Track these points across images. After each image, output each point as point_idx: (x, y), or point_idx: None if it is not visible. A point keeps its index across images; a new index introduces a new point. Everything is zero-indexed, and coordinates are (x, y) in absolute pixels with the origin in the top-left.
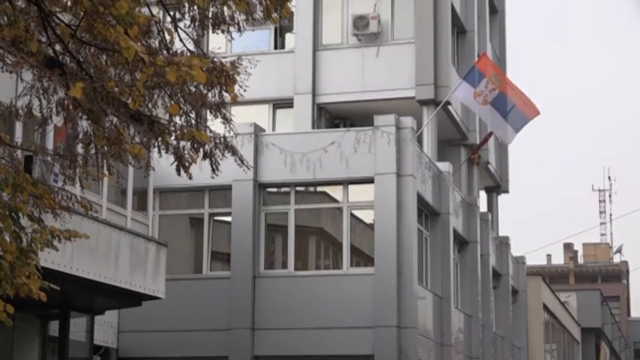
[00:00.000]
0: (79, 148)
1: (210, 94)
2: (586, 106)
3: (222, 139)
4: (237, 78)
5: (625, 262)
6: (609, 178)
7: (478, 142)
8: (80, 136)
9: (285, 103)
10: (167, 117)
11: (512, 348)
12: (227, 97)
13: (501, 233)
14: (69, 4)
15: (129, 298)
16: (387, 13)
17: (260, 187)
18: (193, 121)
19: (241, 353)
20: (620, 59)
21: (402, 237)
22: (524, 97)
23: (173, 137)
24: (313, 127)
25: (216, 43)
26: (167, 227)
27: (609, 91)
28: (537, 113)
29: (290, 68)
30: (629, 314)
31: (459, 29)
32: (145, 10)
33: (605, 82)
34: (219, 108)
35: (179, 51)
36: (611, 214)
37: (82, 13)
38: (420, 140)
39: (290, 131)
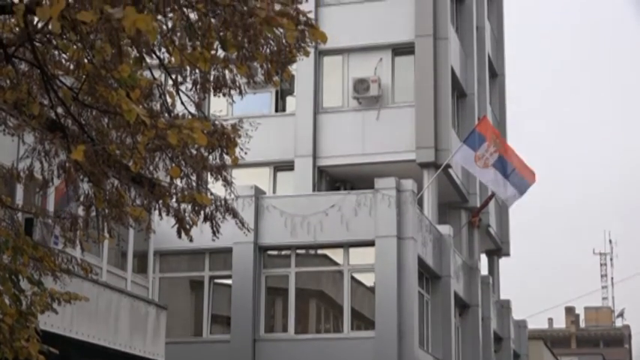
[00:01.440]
0: (80, 211)
1: (211, 157)
2: (586, 170)
3: (222, 202)
4: (238, 141)
5: (627, 327)
6: (610, 241)
7: (478, 205)
8: (81, 198)
9: (286, 166)
10: (168, 179)
11: None
12: (228, 159)
13: (502, 297)
14: (71, 67)
15: None
16: (388, 76)
17: (260, 249)
18: (194, 184)
19: None
20: (621, 120)
21: (402, 300)
22: (523, 162)
23: (174, 200)
24: (314, 190)
25: (218, 105)
26: (167, 290)
27: (610, 155)
28: (534, 179)
29: (291, 131)
30: None
31: (459, 93)
32: (146, 73)
33: (606, 146)
34: (220, 171)
35: (180, 114)
36: (612, 278)
37: (84, 76)
38: (420, 203)
39: (291, 194)
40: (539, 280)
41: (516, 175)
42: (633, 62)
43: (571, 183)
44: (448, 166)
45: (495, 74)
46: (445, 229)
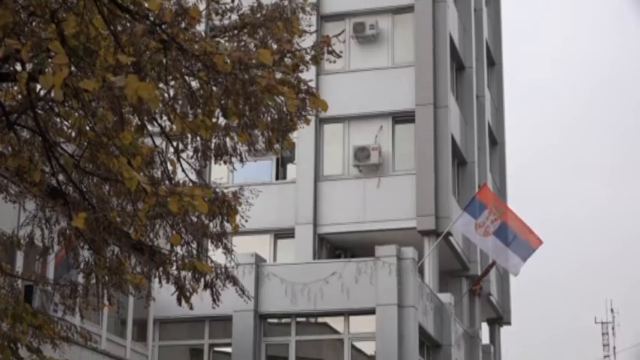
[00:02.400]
0: (80, 278)
1: (211, 225)
2: (587, 236)
3: (223, 270)
4: (239, 208)
5: None
6: (612, 310)
7: (479, 273)
8: (81, 265)
9: (286, 234)
10: (168, 247)
11: None
12: (228, 227)
13: None
14: (73, 134)
15: None
16: (388, 144)
17: (261, 317)
18: (195, 252)
19: None
20: (621, 187)
21: None
22: (527, 227)
23: (174, 267)
24: (314, 258)
25: (219, 173)
26: (167, 358)
27: (612, 222)
28: (540, 243)
29: (291, 199)
30: None
31: (460, 160)
32: (148, 141)
33: (608, 214)
34: (220, 238)
35: (181, 181)
36: (614, 347)
37: (85, 144)
38: (421, 271)
39: (291, 261)
40: (540, 348)
41: (519, 241)
42: (635, 129)
43: (573, 250)
44: (449, 234)
45: (495, 142)
46: (446, 298)
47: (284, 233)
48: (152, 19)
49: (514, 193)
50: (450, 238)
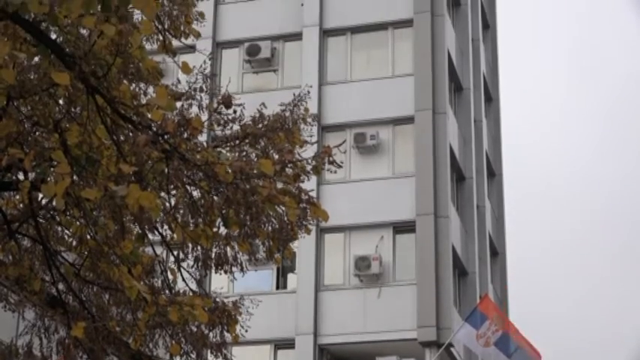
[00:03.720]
0: None
1: (211, 334)
2: (590, 342)
3: None
4: (239, 318)
5: None
6: None
7: None
8: None
9: (287, 344)
10: (168, 357)
11: None
12: (228, 337)
13: None
14: (74, 243)
15: None
16: (389, 254)
17: None
18: None
19: None
20: (622, 281)
21: None
22: (527, 341)
23: None
24: None
25: (219, 282)
26: None
27: (619, 325)
28: (539, 358)
29: (292, 308)
30: None
31: (461, 271)
32: (148, 250)
33: (610, 330)
34: (220, 348)
35: (181, 290)
36: None
37: (86, 252)
38: None
39: None
40: None
41: (521, 353)
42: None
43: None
44: (450, 345)
45: (496, 252)
46: None
47: (284, 344)
48: (155, 129)
49: (515, 303)
50: (452, 349)
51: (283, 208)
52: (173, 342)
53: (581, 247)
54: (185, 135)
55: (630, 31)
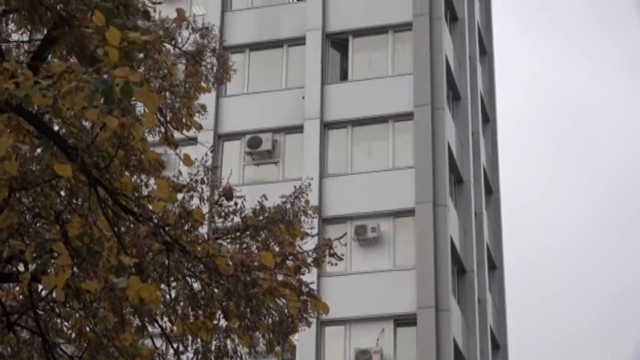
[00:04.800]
0: None
1: None
2: None
3: None
4: None
5: None
6: None
7: None
8: None
9: None
10: None
11: None
12: None
13: None
14: (73, 335)
15: None
16: (390, 347)
17: None
18: None
19: None
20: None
21: None
22: None
23: None
24: None
25: None
26: None
27: None
28: None
29: None
30: None
31: None
32: (148, 342)
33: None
34: None
35: None
36: None
37: (85, 345)
38: None
39: None
40: None
41: None
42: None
43: None
44: None
45: (498, 346)
46: None
47: None
48: (156, 221)
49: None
50: None
51: (284, 301)
52: None
53: (584, 343)
54: (186, 227)
55: (622, 122)
